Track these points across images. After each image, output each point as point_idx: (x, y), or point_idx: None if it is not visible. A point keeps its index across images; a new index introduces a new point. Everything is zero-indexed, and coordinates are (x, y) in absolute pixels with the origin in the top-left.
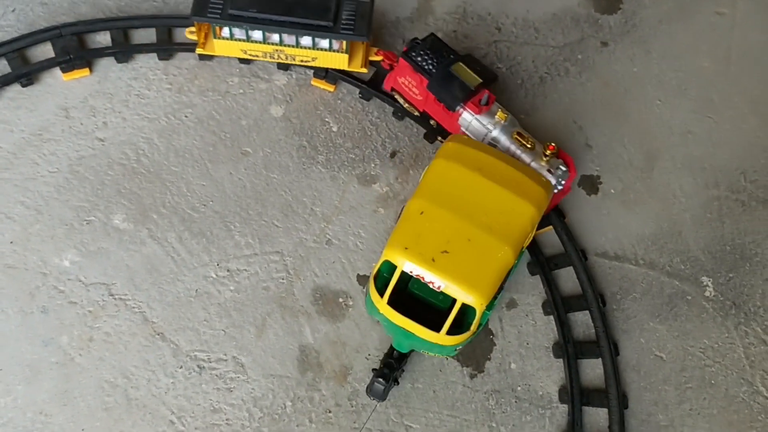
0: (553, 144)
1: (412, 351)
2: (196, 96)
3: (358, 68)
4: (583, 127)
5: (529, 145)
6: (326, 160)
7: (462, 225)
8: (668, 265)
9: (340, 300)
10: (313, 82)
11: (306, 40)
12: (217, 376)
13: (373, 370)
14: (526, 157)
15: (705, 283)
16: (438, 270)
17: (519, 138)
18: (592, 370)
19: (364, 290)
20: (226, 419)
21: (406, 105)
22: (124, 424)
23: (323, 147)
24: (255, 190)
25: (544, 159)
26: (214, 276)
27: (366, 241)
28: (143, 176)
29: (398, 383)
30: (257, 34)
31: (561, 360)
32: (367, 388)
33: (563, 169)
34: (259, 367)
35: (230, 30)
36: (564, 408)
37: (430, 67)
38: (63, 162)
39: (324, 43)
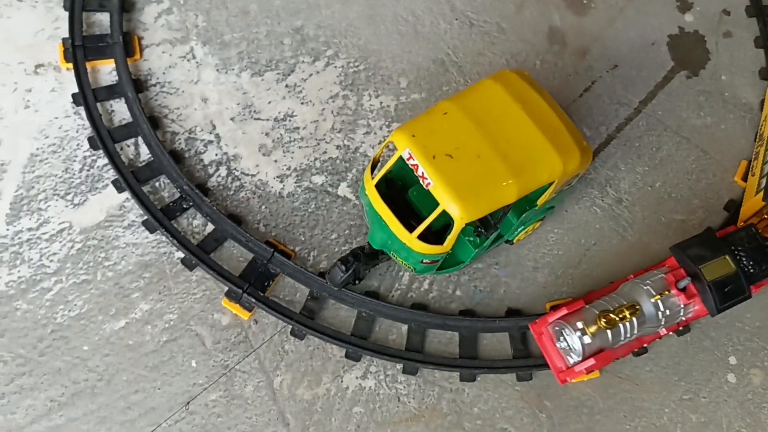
0: None
1: (381, 255)
2: None
3: None
4: None
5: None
6: None
7: (478, 140)
8: None
9: (584, 1)
10: None
11: None
12: (484, 32)
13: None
14: None
15: None
16: (434, 168)
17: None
18: None
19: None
20: (489, 61)
21: None
22: (412, 47)
23: None
24: None
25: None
26: None
27: None
28: None
29: (359, 281)
30: None
31: (766, 81)
32: (327, 270)
33: None
34: (516, 33)
35: None
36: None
37: None
38: None
39: None
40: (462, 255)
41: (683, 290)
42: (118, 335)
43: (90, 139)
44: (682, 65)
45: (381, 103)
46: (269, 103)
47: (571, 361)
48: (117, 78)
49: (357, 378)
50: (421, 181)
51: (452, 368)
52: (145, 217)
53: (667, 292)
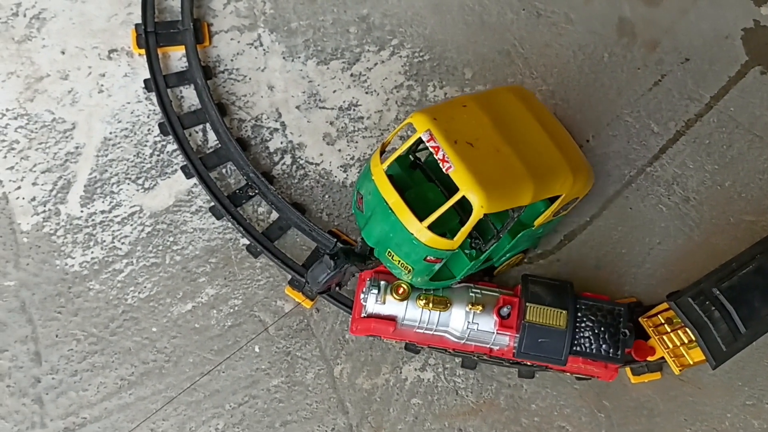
0: None
1: (369, 258)
2: None
3: None
4: None
5: None
6: None
7: (496, 136)
8: None
9: None
10: None
11: None
12: (551, 23)
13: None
14: None
15: None
16: (455, 152)
17: None
18: None
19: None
20: (555, 53)
21: None
22: (478, 37)
23: None
24: None
25: None
26: None
27: None
28: None
29: (340, 288)
30: None
31: None
32: (310, 267)
33: None
34: (584, 24)
35: None
36: None
37: None
38: None
39: None
40: (455, 268)
41: (503, 317)
42: (185, 318)
43: (160, 125)
44: (757, 60)
45: (445, 94)
46: (334, 92)
47: (363, 313)
48: (187, 64)
49: (416, 370)
50: (440, 165)
51: (511, 364)
52: (212, 204)
53: (480, 308)
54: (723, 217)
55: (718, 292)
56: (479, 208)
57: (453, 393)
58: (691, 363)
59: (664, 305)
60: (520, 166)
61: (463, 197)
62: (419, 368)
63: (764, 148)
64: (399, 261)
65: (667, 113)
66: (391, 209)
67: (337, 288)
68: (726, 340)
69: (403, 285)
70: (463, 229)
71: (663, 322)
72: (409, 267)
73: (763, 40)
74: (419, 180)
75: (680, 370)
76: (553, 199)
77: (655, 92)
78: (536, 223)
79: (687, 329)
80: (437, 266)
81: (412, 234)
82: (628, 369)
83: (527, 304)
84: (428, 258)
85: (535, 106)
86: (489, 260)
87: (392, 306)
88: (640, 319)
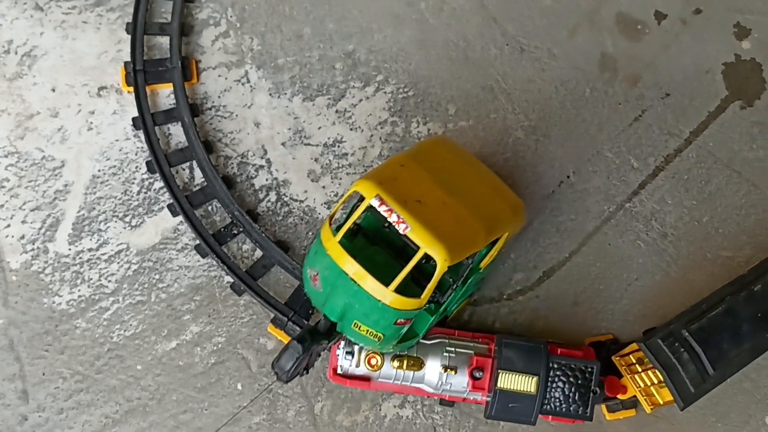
0: None
1: (332, 335)
2: None
3: None
4: None
5: None
6: None
7: (439, 190)
8: None
9: (639, 27)
10: None
11: None
12: (535, 58)
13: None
14: None
15: None
16: (409, 211)
17: None
18: None
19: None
20: (538, 89)
21: None
22: (462, 73)
23: None
24: None
25: None
26: None
27: None
28: None
29: (307, 372)
30: None
31: None
32: (276, 356)
33: None
34: (568, 59)
35: None
36: None
37: None
38: None
39: None
40: (417, 326)
41: (475, 378)
42: (169, 356)
43: (148, 163)
44: (737, 95)
45: (429, 129)
46: (319, 128)
47: (339, 371)
48: (175, 102)
49: (395, 407)
50: (396, 227)
51: None
52: (197, 242)
53: (454, 372)
54: (700, 252)
55: (687, 334)
56: (443, 261)
57: (431, 430)
58: (662, 402)
59: (636, 345)
60: (469, 214)
61: (407, 252)
62: (398, 405)
63: (742, 184)
64: (368, 330)
65: (647, 149)
66: (352, 280)
67: (305, 372)
68: (694, 381)
69: (376, 356)
70: (429, 285)
71: (634, 361)
72: (380, 334)
73: (744, 74)
74: (363, 246)
75: (652, 409)
76: (494, 241)
77: (635, 127)
78: (482, 265)
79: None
80: (406, 328)
81: (379, 300)
82: (603, 406)
83: (499, 370)
84: (398, 321)
85: (461, 154)
86: (445, 311)
87: (367, 371)
88: (613, 357)
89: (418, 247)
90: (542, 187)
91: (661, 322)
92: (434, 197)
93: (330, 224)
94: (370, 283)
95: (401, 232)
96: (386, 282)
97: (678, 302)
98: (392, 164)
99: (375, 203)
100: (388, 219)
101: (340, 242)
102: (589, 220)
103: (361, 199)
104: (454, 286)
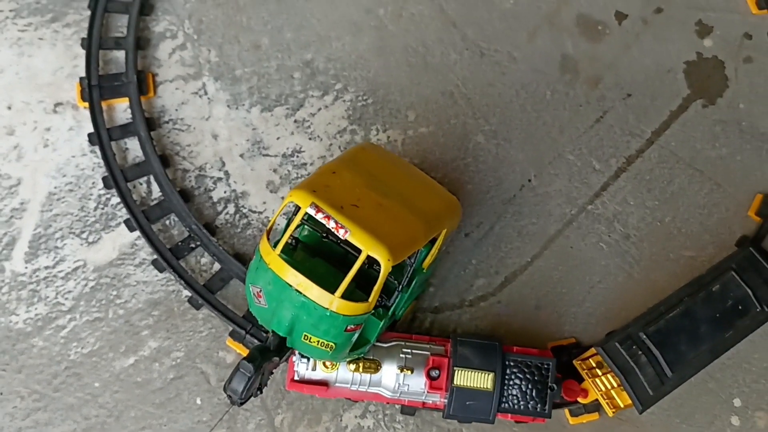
0: None
1: (283, 351)
2: None
3: None
4: None
5: None
6: None
7: (373, 192)
8: None
9: (599, 27)
10: None
11: None
12: (495, 62)
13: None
14: None
15: None
16: (346, 216)
17: None
18: None
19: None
20: (498, 93)
21: None
22: (421, 79)
23: None
24: None
25: None
26: None
27: None
28: None
29: (261, 391)
30: None
31: None
32: (227, 379)
33: None
34: (528, 62)
35: None
36: None
37: None
38: None
39: None
40: (368, 332)
41: (432, 378)
42: (127, 372)
43: (104, 179)
44: (699, 93)
45: (388, 137)
46: (278, 138)
47: (295, 377)
48: (131, 116)
49: (356, 417)
50: (335, 233)
51: None
52: (155, 257)
53: (410, 372)
54: (663, 253)
55: (644, 337)
56: (386, 262)
57: None
58: (623, 406)
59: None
60: (406, 213)
61: (349, 260)
62: (359, 415)
63: (704, 183)
64: (318, 341)
65: (608, 150)
66: (297, 290)
67: (259, 392)
68: (652, 384)
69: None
70: (375, 287)
71: (595, 365)
72: (331, 344)
73: (706, 72)
74: (303, 259)
75: (614, 412)
76: (433, 240)
77: (597, 129)
78: (425, 265)
79: None
80: (357, 334)
81: (327, 308)
82: (566, 410)
83: (455, 368)
84: (348, 328)
85: (390, 157)
86: (393, 314)
87: (323, 372)
88: (574, 361)
89: (360, 252)
90: (503, 191)
91: (623, 324)
92: (369, 200)
93: (268, 238)
94: (315, 292)
95: (341, 237)
96: (331, 291)
97: (641, 304)
98: (324, 172)
99: (311, 211)
100: (327, 225)
101: (280, 256)
102: (550, 223)
103: (297, 209)
104: (400, 288)
